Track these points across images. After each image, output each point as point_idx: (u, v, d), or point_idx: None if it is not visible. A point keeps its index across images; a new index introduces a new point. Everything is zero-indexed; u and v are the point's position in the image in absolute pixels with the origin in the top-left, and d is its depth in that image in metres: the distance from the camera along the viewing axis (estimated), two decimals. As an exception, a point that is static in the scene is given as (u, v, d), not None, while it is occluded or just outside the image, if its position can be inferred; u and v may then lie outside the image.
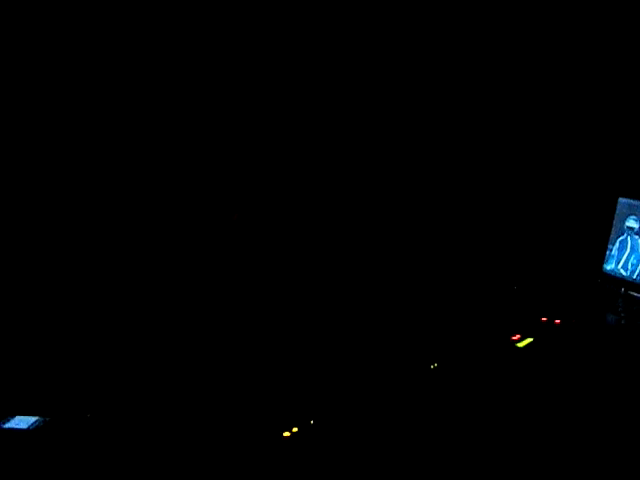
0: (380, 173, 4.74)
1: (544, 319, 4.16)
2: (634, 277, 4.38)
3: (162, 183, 4.06)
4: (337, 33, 4.35)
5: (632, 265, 4.42)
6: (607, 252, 4.57)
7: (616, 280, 4.48)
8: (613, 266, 4.53)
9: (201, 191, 4.17)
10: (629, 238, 4.47)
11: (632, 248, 4.44)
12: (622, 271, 4.45)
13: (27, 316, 3.77)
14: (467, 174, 5.01)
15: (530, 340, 3.88)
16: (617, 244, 4.51)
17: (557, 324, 4.08)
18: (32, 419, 3.28)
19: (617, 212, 4.55)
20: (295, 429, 3.25)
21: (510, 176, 5.04)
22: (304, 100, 4.41)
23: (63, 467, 3.01)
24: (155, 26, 3.98)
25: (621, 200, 4.54)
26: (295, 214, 4.51)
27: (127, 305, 3.89)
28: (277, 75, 4.29)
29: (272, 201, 4.42)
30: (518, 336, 3.94)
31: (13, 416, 3.34)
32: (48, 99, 3.83)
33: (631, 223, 4.46)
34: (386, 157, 4.73)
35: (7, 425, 3.23)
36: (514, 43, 4.62)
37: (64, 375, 3.63)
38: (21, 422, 3.25)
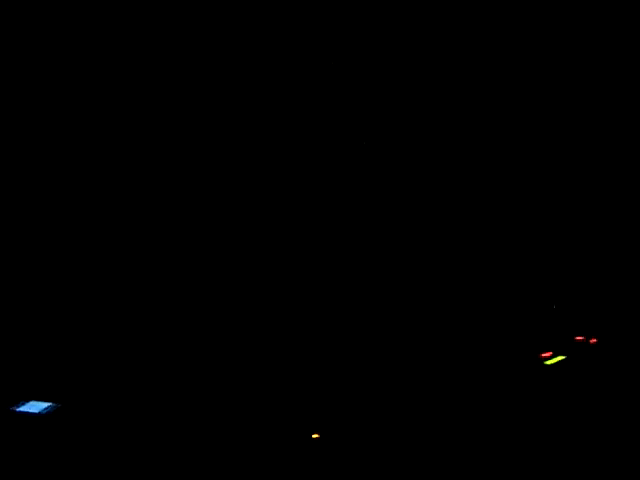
0: (412, 178, 4.61)
1: (580, 338, 3.91)
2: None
3: (162, 182, 4.10)
4: (337, 33, 4.29)
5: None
6: (657, 269, 4.24)
7: (665, 300, 4.14)
8: (663, 285, 4.19)
9: (200, 190, 4.19)
10: (682, 255, 4.14)
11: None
12: (672, 290, 4.11)
13: (49, 311, 3.87)
14: (509, 187, 4.80)
15: (561, 358, 3.65)
16: (668, 261, 4.18)
17: (593, 343, 3.82)
18: (45, 404, 3.34)
19: (669, 226, 4.22)
20: (315, 435, 3.17)
21: (555, 192, 4.80)
22: (304, 100, 4.37)
23: (64, 452, 3.04)
24: (155, 26, 4.04)
25: (674, 213, 4.21)
26: (300, 217, 4.45)
27: (136, 300, 3.93)
28: (277, 75, 4.27)
29: (272, 201, 4.37)
30: (549, 353, 3.71)
31: (28, 400, 3.42)
32: (48, 99, 3.95)
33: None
34: (419, 160, 4.60)
35: (20, 409, 3.31)
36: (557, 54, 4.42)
37: (82, 364, 3.69)
38: (34, 407, 3.31)
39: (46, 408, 3.31)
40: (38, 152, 3.85)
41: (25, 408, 3.30)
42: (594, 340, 3.83)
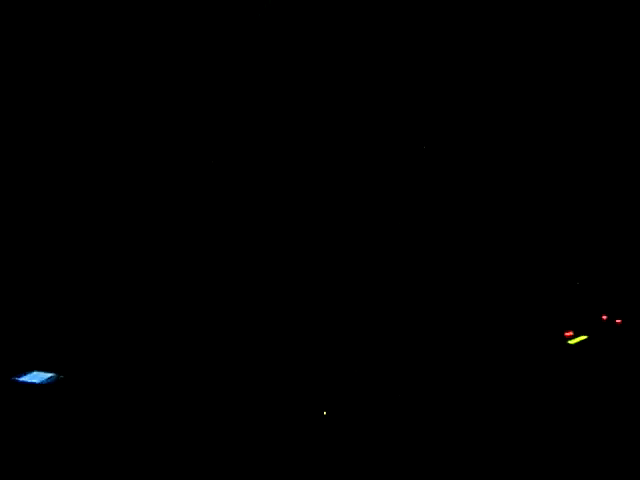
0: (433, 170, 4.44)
1: (605, 317, 3.76)
2: None
3: (161, 182, 3.97)
4: (337, 33, 4.14)
5: None
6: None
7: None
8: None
9: (200, 190, 4.05)
10: None
11: None
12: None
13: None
14: (531, 170, 4.63)
15: (584, 338, 3.49)
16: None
17: (618, 324, 3.67)
18: (47, 375, 3.22)
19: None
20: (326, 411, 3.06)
21: (575, 173, 4.63)
22: (304, 100, 4.22)
23: (65, 423, 2.93)
24: (155, 26, 3.89)
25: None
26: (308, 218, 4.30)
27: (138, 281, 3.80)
28: (277, 75, 4.12)
29: (271, 201, 4.23)
30: (571, 332, 3.56)
31: (32, 370, 3.30)
32: (48, 99, 3.80)
33: None
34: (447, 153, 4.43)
35: (22, 378, 3.19)
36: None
37: (85, 335, 3.57)
38: (36, 377, 3.19)
39: (48, 378, 3.19)
40: (38, 152, 3.72)
41: (27, 378, 3.19)
42: (619, 321, 3.68)
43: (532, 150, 4.71)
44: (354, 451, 2.83)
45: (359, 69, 4.27)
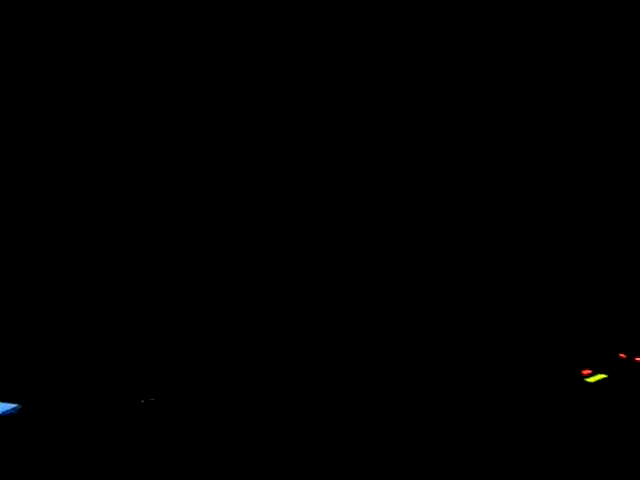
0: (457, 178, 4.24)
1: (623, 355, 3.53)
2: None
3: (159, 181, 3.77)
4: (336, 33, 4.01)
5: None
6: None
7: None
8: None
9: (198, 188, 3.86)
10: None
11: None
12: None
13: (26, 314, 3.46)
14: (549, 195, 4.43)
15: (602, 376, 3.23)
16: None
17: (638, 362, 3.43)
18: (9, 406, 2.91)
19: None
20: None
21: (590, 202, 4.44)
22: (303, 100, 4.06)
23: (26, 454, 2.63)
24: (155, 26, 3.74)
25: None
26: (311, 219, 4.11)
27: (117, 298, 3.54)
28: (276, 75, 3.98)
29: (270, 200, 4.04)
30: (589, 371, 3.30)
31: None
32: (48, 99, 3.62)
33: None
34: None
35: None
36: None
37: (49, 365, 3.28)
38: (-5, 408, 2.88)
39: (7, 410, 2.87)
40: (38, 152, 3.52)
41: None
42: (639, 359, 3.45)
43: (537, 182, 4.54)
44: (354, 451, 2.60)
45: (359, 69, 4.12)
